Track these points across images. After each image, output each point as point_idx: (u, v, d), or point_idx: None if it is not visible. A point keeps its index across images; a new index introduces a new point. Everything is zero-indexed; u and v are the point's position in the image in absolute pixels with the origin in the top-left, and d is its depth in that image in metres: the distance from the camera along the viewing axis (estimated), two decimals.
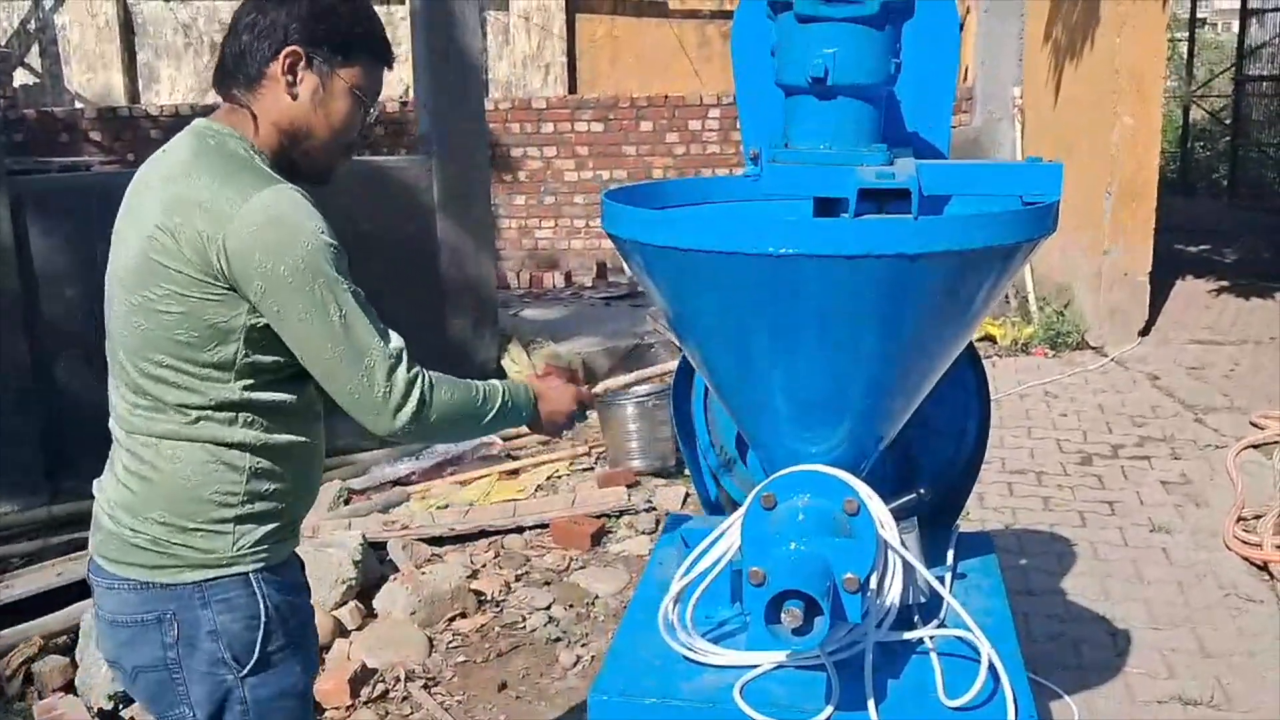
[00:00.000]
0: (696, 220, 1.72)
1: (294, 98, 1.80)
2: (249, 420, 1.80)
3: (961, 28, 10.62)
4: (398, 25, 11.31)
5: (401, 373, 1.76)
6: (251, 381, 1.78)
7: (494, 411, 1.90)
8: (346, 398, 1.76)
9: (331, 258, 1.71)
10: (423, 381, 1.78)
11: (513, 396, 1.94)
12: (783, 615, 1.61)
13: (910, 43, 1.93)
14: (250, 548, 1.82)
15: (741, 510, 1.83)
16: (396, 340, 1.78)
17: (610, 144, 9.73)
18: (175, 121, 9.56)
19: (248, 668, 1.83)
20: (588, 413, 2.15)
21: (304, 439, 1.88)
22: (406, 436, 1.81)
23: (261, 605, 1.83)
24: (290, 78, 1.79)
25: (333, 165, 1.89)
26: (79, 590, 3.81)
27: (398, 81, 11.30)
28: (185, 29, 11.21)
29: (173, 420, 1.78)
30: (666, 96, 9.68)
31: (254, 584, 1.83)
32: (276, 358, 1.77)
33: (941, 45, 2.07)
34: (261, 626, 1.83)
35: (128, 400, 1.83)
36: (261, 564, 1.83)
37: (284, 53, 1.78)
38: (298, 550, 2.00)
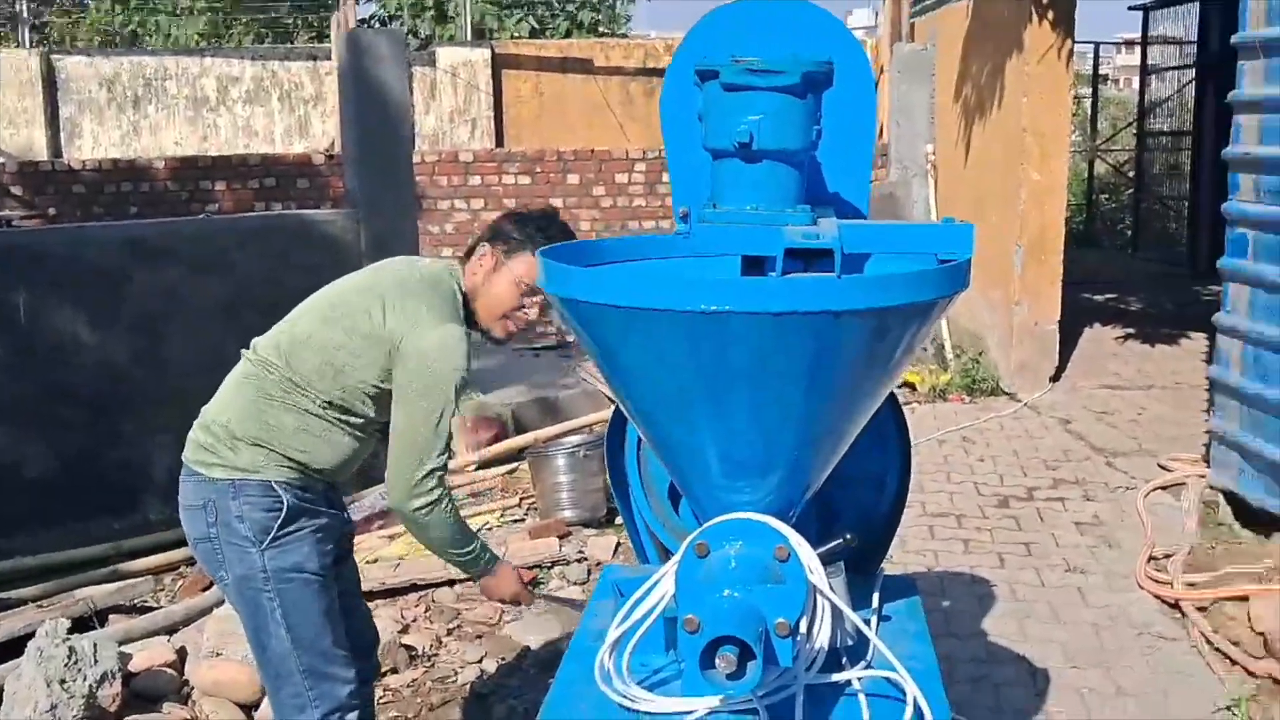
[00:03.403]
0: (629, 278, 1.79)
1: (474, 273, 2.63)
2: (325, 404, 2.54)
3: (875, 87, 10.96)
4: (324, 80, 11.35)
5: (435, 480, 2.49)
6: (354, 396, 2.55)
7: (467, 559, 2.62)
8: (397, 461, 2.48)
9: (458, 385, 2.47)
10: (444, 497, 2.51)
11: (483, 562, 2.65)
12: (717, 661, 1.66)
13: (830, 109, 2.03)
14: (275, 466, 2.53)
15: (675, 559, 1.89)
16: (445, 459, 2.51)
17: (537, 196, 9.81)
18: (98, 176, 9.47)
19: (265, 543, 2.50)
20: (529, 604, 3.04)
21: (354, 444, 2.62)
22: (404, 518, 2.54)
23: (280, 501, 2.52)
24: (478, 262, 2.62)
25: (492, 328, 2.65)
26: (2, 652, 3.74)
27: (323, 135, 11.30)
28: (109, 84, 11.11)
29: (285, 387, 2.55)
30: (593, 150, 9.81)
31: (275, 489, 2.52)
32: (380, 404, 2.57)
33: (859, 112, 2.18)
34: (281, 516, 2.51)
35: (264, 352, 2.59)
36: (281, 478, 2.53)
37: (481, 244, 2.65)
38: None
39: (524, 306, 2.59)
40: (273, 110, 11.66)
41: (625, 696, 1.96)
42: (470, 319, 2.61)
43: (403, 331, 2.48)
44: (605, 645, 1.96)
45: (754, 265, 1.94)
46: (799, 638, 1.83)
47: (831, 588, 1.93)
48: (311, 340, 2.56)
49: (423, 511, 2.48)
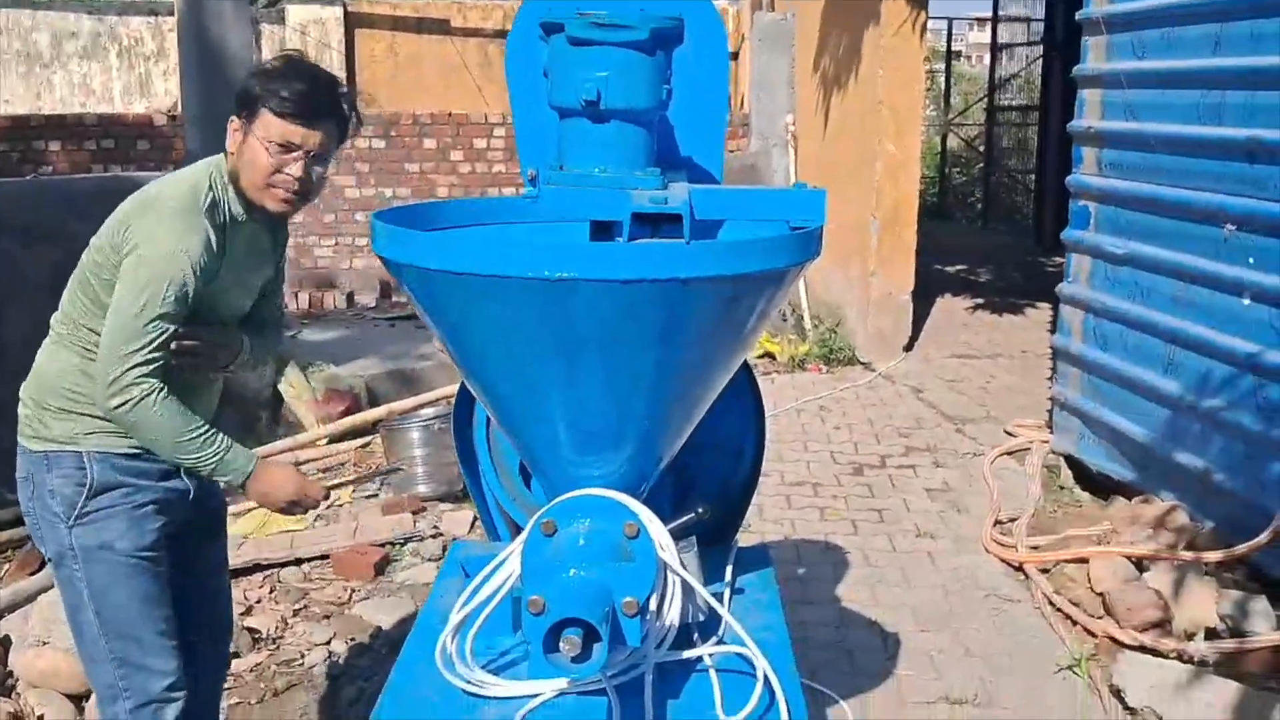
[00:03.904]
0: (470, 243, 1.69)
1: (230, 153, 2.35)
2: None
3: (736, 57, 10.96)
4: (165, 36, 10.81)
5: (137, 373, 2.21)
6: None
7: (193, 458, 2.31)
8: (100, 356, 2.25)
9: (177, 274, 2.22)
10: (150, 393, 2.23)
11: (225, 463, 2.33)
12: (561, 644, 1.59)
13: (681, 70, 1.97)
14: (84, 434, 2.35)
15: (522, 537, 1.81)
16: (155, 354, 2.23)
17: (392, 161, 9.55)
18: None
19: (71, 519, 2.36)
20: (318, 506, 2.57)
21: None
22: (114, 421, 2.29)
23: (87, 474, 2.35)
24: (230, 138, 2.35)
25: (264, 201, 2.35)
26: None
27: (165, 94, 10.78)
28: None
29: (61, 331, 2.39)
30: (450, 114, 9.58)
31: (84, 460, 2.36)
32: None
33: (712, 73, 2.11)
34: (86, 490, 2.35)
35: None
36: (94, 447, 2.35)
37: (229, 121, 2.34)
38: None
39: (282, 168, 2.31)
40: (111, 67, 11.07)
41: (469, 681, 1.88)
42: (248, 204, 2.37)
43: (134, 239, 2.27)
44: (449, 628, 1.88)
45: (603, 230, 1.87)
46: (649, 616, 1.77)
47: (683, 563, 1.89)
48: (77, 277, 2.39)
49: (123, 409, 2.23)
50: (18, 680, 3.45)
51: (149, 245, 2.23)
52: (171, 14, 9.74)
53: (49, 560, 2.46)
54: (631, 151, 1.85)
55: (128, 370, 2.21)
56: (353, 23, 10.69)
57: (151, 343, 2.22)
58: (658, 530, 1.81)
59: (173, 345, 2.28)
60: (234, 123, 2.34)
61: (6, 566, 4.27)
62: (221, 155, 2.39)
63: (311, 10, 10.83)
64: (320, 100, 2.31)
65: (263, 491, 2.40)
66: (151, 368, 2.24)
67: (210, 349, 2.41)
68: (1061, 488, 5.17)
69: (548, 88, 1.88)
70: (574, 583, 1.67)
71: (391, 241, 1.74)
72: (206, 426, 2.32)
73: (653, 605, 1.79)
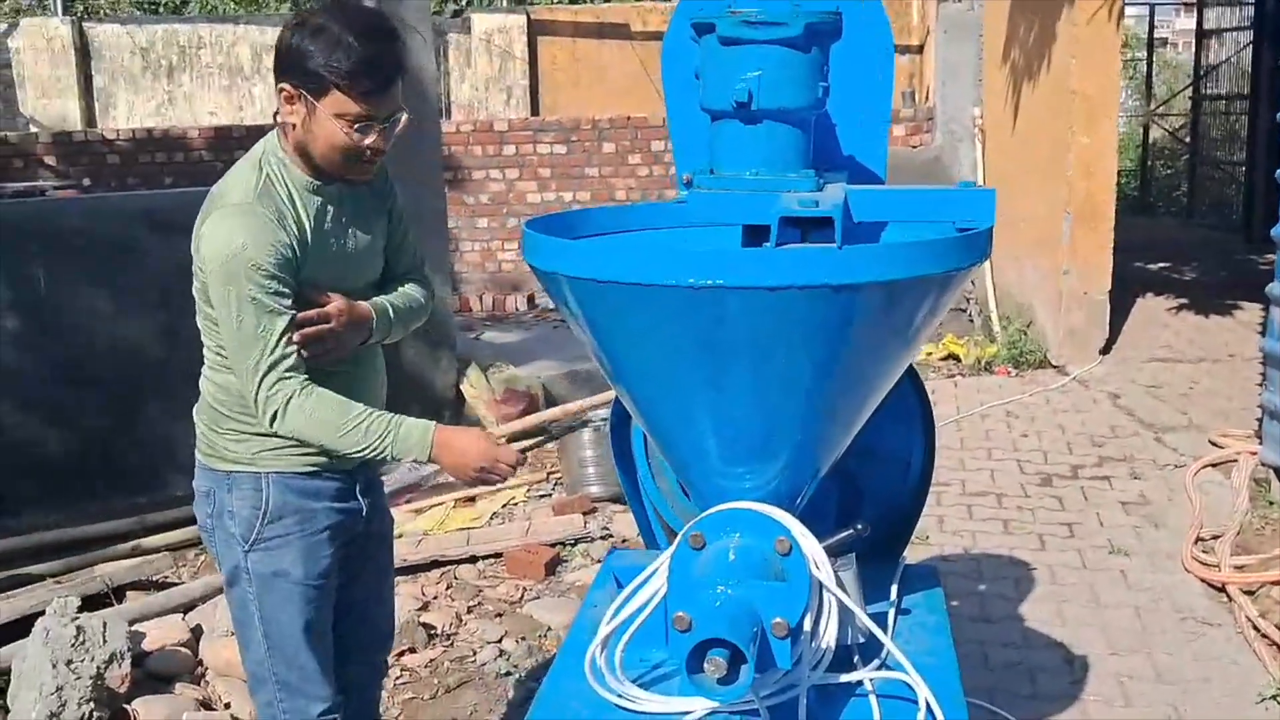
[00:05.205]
0: (616, 250, 1.66)
1: (292, 126, 2.16)
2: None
3: (921, 49, 10.65)
4: None
5: (272, 381, 2.13)
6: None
7: (364, 446, 2.19)
8: (243, 390, 2.19)
9: (250, 268, 2.09)
10: (292, 395, 2.14)
11: (399, 439, 2.20)
12: (706, 665, 1.54)
13: (841, 64, 1.89)
14: (261, 454, 2.29)
15: (671, 550, 1.76)
16: (280, 352, 2.13)
17: (573, 166, 9.68)
18: (132, 146, 9.46)
19: (250, 543, 2.31)
20: (514, 473, 2.34)
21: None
22: (280, 435, 2.21)
23: (264, 497, 2.30)
24: (287, 108, 2.15)
25: (345, 173, 2.21)
26: (14, 630, 3.69)
27: None
28: (143, 52, 11.10)
29: (209, 357, 2.31)
30: (629, 118, 9.65)
31: (262, 483, 2.30)
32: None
33: (875, 67, 2.02)
34: (261, 515, 2.30)
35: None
36: (271, 469, 2.29)
37: (279, 87, 2.15)
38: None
39: (364, 140, 2.13)
40: None
41: (619, 695, 1.85)
42: (320, 172, 2.21)
43: (201, 250, 2.16)
44: (597, 639, 1.85)
45: (756, 235, 1.80)
46: (802, 637, 1.70)
47: (841, 581, 1.80)
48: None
49: (277, 422, 2.14)
50: (207, 669, 3.62)
51: (211, 257, 2.12)
52: None
53: (224, 577, 2.44)
54: (785, 153, 1.78)
55: (260, 381, 2.13)
56: (535, 30, 10.90)
57: (268, 346, 2.12)
58: (812, 547, 1.73)
59: (295, 338, 2.16)
60: (287, 89, 2.12)
61: (202, 559, 4.51)
62: (274, 132, 2.22)
63: (496, 19, 11.10)
64: (390, 62, 2.13)
65: (452, 463, 2.23)
66: (283, 369, 2.14)
67: (333, 334, 2.24)
68: (1271, 503, 4.79)
69: (699, 90, 1.83)
70: (721, 601, 1.61)
71: (538, 250, 1.73)
72: (366, 409, 2.20)
73: (806, 626, 1.71)
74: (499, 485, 2.49)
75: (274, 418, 2.15)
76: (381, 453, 2.20)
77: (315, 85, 2.09)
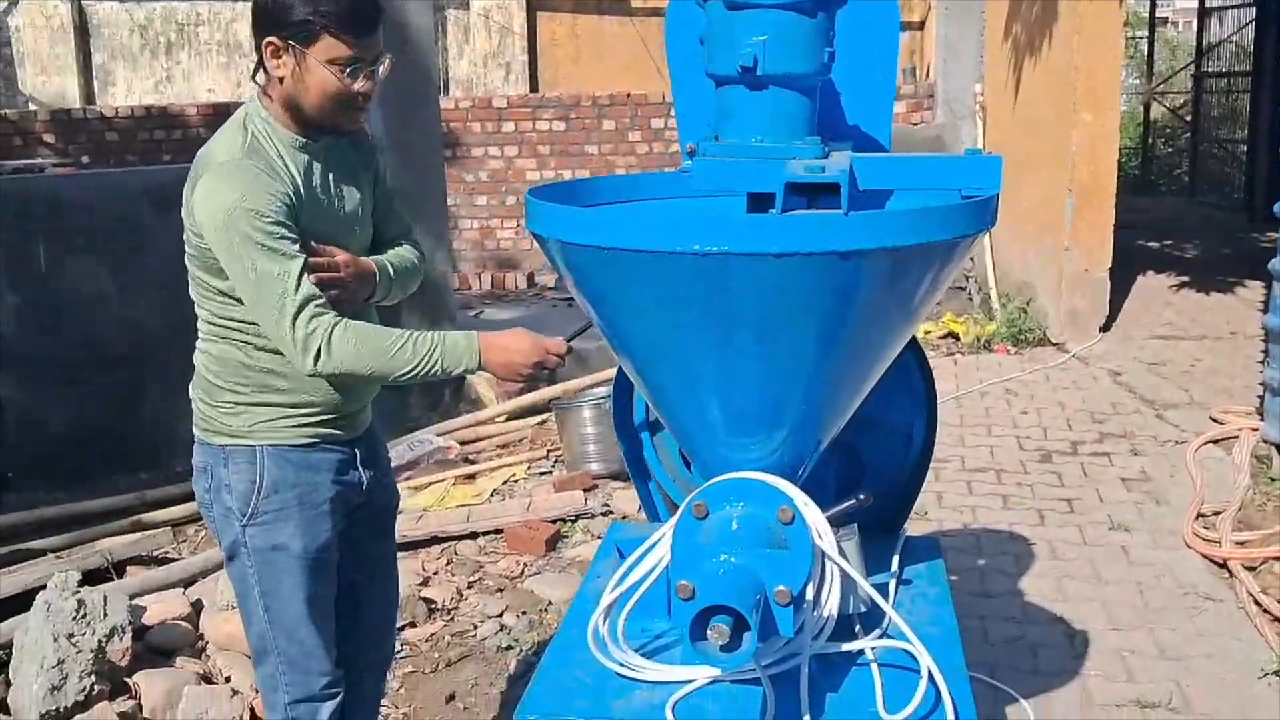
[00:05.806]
0: (620, 217, 1.65)
1: (279, 80, 2.15)
2: (254, 332, 2.20)
3: (922, 26, 10.58)
4: None
5: (305, 321, 2.08)
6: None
7: (416, 363, 2.14)
8: (274, 339, 2.14)
9: (253, 217, 2.06)
10: (329, 329, 2.09)
11: (447, 349, 2.15)
12: (709, 632, 1.54)
13: (847, 32, 1.87)
14: (257, 427, 2.27)
15: (674, 520, 1.76)
16: (306, 291, 2.08)
17: (572, 143, 9.64)
18: (131, 123, 9.41)
19: (245, 518, 2.29)
20: (564, 362, 2.30)
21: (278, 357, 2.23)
22: (326, 379, 2.18)
23: (260, 471, 2.27)
24: (274, 62, 2.14)
25: (337, 121, 2.21)
26: (16, 604, 3.70)
27: None
28: (142, 30, 11.04)
29: (203, 328, 2.28)
30: (629, 95, 9.60)
31: (258, 455, 2.27)
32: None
33: (880, 34, 2.00)
34: (257, 489, 2.27)
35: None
36: (267, 442, 2.27)
37: (264, 43, 2.14)
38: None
39: (354, 85, 2.14)
40: None
41: (621, 664, 1.85)
42: (310, 126, 2.20)
43: (199, 215, 2.13)
44: (600, 609, 1.85)
45: (761, 202, 1.79)
46: (804, 605, 1.70)
47: (843, 551, 1.80)
48: (187, 267, 2.27)
49: (322, 362, 2.09)
50: (207, 643, 3.62)
51: (211, 215, 2.08)
52: None
53: (223, 551, 2.41)
54: (791, 120, 1.77)
55: (294, 323, 2.07)
56: (534, 5, 10.84)
57: (289, 288, 2.07)
58: (814, 516, 1.73)
59: (312, 278, 2.13)
60: (272, 44, 2.12)
61: (202, 534, 4.51)
62: (255, 95, 2.23)
63: None
64: (373, 2, 2.16)
65: (504, 362, 2.19)
66: (315, 307, 2.09)
67: (343, 284, 2.23)
68: (1272, 479, 4.79)
69: (704, 55, 1.82)
70: (724, 569, 1.61)
71: (542, 218, 1.71)
72: (405, 330, 2.16)
73: (809, 594, 1.71)
74: (546, 375, 2.34)
75: (317, 355, 2.08)
76: (433, 366, 2.14)
77: (304, 34, 2.10)
